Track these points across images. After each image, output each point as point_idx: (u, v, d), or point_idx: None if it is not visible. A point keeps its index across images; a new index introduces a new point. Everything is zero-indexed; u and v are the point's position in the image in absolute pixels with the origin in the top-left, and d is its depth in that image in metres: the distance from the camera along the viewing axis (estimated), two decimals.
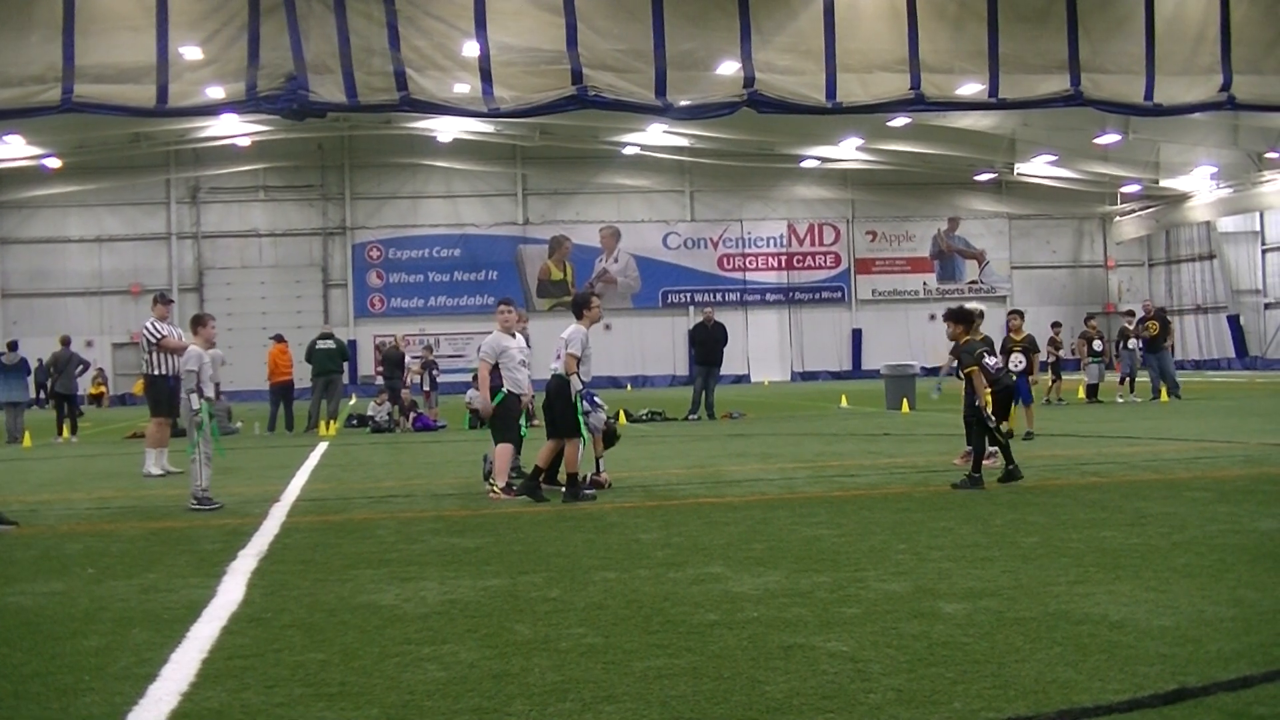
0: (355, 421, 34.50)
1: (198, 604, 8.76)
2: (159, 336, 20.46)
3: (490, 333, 16.84)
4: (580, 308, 16.19)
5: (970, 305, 17.05)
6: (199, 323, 16.21)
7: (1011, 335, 23.46)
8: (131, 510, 15.35)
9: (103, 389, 57.18)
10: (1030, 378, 23.17)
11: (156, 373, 20.66)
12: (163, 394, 20.76)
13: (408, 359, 34.78)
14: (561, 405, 15.39)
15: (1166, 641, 6.94)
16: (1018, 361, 22.52)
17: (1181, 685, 6.01)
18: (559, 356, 15.61)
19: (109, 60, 26.27)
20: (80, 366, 33.04)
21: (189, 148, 62.33)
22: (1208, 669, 6.34)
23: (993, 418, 15.53)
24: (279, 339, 35.50)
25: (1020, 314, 24.54)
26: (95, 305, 65.34)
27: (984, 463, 15.49)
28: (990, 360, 15.90)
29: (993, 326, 20.97)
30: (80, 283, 65.64)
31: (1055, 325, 37.03)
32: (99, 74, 26.26)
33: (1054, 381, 35.46)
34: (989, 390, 15.58)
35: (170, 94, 26.46)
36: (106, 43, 26.21)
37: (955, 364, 16.25)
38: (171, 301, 22.92)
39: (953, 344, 16.19)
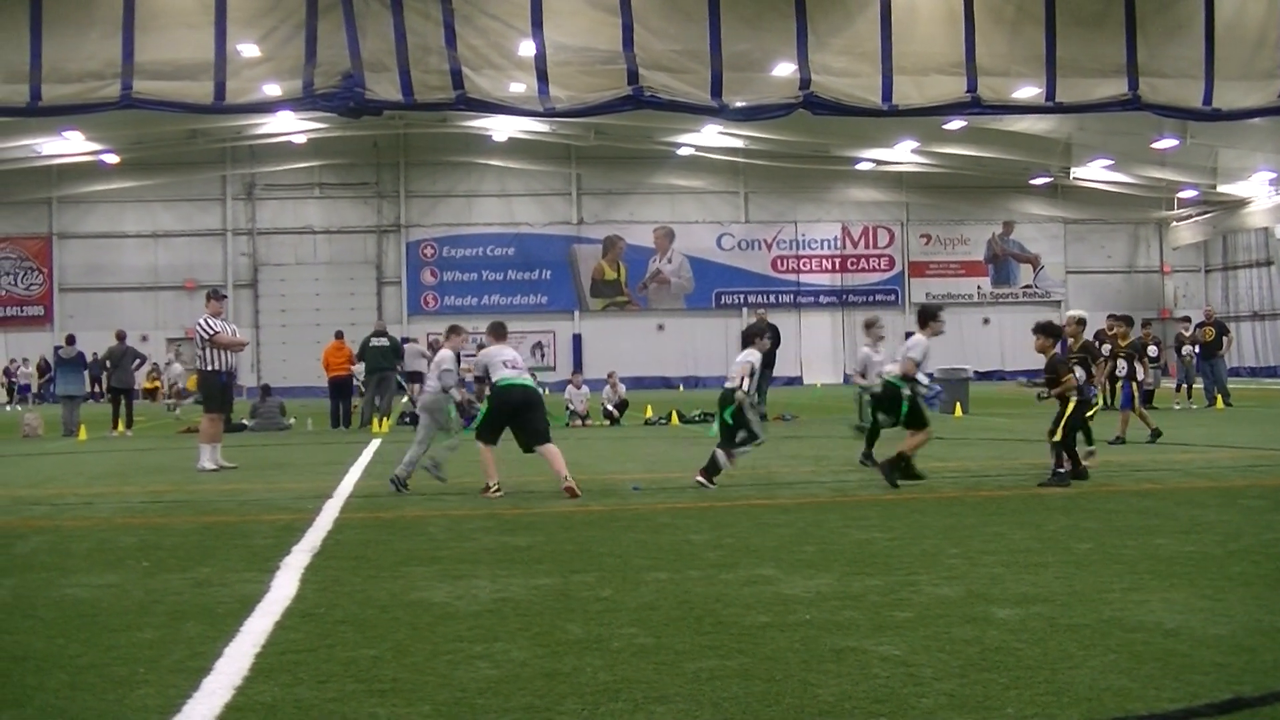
0: (408, 419, 34.56)
1: (251, 598, 8.80)
2: (213, 332, 20.47)
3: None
4: (927, 319, 17.04)
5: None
6: (454, 332, 18.33)
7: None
8: (185, 504, 15.43)
9: (158, 383, 57.52)
10: (1095, 383, 22.89)
11: (209, 368, 20.66)
12: (215, 389, 20.82)
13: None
14: (896, 405, 16.40)
15: (1221, 650, 6.89)
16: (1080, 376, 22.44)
17: (1237, 695, 5.97)
18: (897, 360, 16.71)
19: (167, 57, 26.44)
20: (137, 360, 33.27)
21: (245, 144, 62.65)
22: (1264, 678, 6.29)
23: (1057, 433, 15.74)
24: (338, 335, 35.72)
25: (1077, 321, 24.19)
26: (150, 300, 65.74)
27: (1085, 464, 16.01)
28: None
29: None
30: (136, 278, 66.07)
31: (1145, 324, 36.71)
32: (157, 70, 26.43)
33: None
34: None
35: (227, 91, 26.61)
36: (165, 39, 26.39)
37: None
38: (225, 297, 23.00)
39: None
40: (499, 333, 17.43)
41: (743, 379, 16.26)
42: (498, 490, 15.68)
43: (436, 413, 17.43)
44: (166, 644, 7.49)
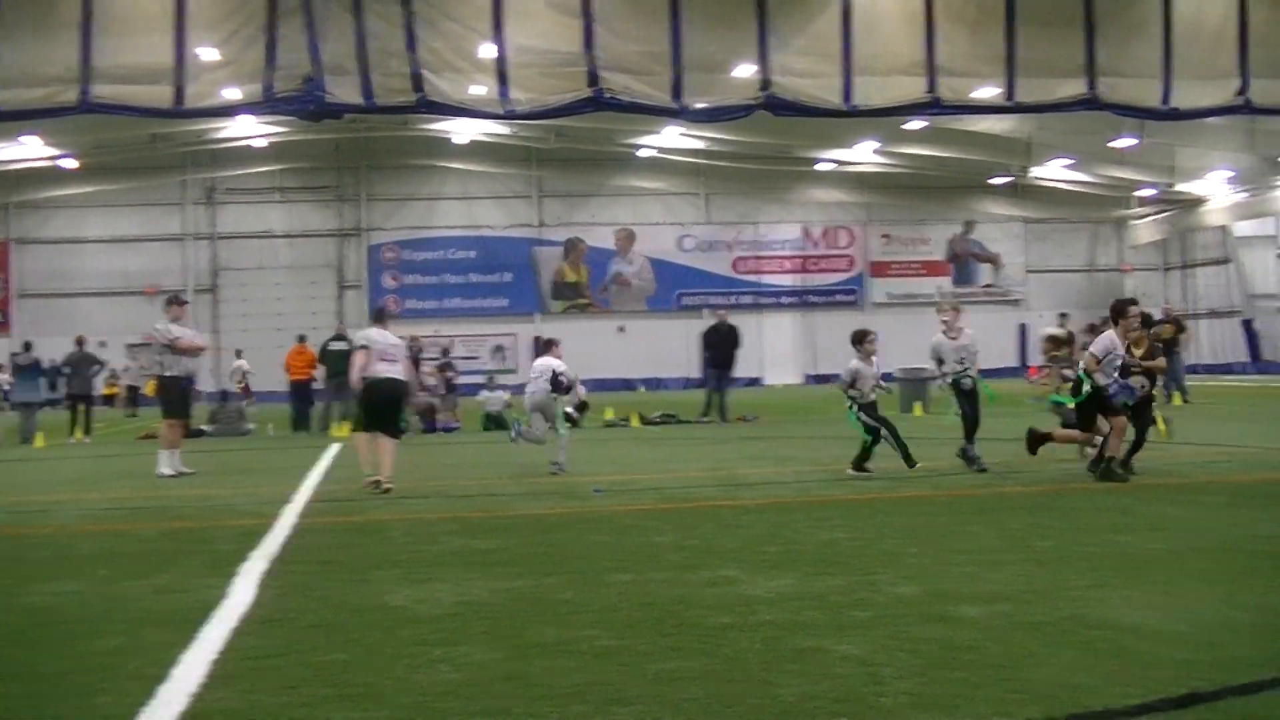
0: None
1: (211, 605, 8.76)
2: (173, 337, 20.38)
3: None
4: (1117, 316, 16.70)
5: (1135, 306, 17.12)
6: (553, 344, 20.42)
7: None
8: (145, 510, 15.37)
9: (116, 389, 57.15)
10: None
11: (169, 374, 20.55)
12: (175, 395, 20.71)
13: (423, 362, 34.75)
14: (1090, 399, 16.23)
15: (1182, 647, 6.93)
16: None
17: (1194, 690, 6.00)
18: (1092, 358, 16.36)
19: (127, 61, 26.30)
20: (96, 366, 33.10)
21: (206, 148, 62.26)
22: (1221, 674, 6.33)
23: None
24: (301, 339, 35.65)
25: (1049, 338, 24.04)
26: (111, 306, 65.35)
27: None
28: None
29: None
30: (96, 283, 65.65)
31: (1090, 327, 37.00)
32: (117, 74, 26.30)
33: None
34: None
35: (187, 95, 26.50)
36: (125, 43, 26.24)
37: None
38: (186, 303, 22.85)
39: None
40: (381, 319, 18.36)
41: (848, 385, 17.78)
42: (385, 484, 16.45)
43: (546, 410, 19.47)
44: (125, 652, 7.46)
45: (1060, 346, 22.16)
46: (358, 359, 17.41)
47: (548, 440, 19.68)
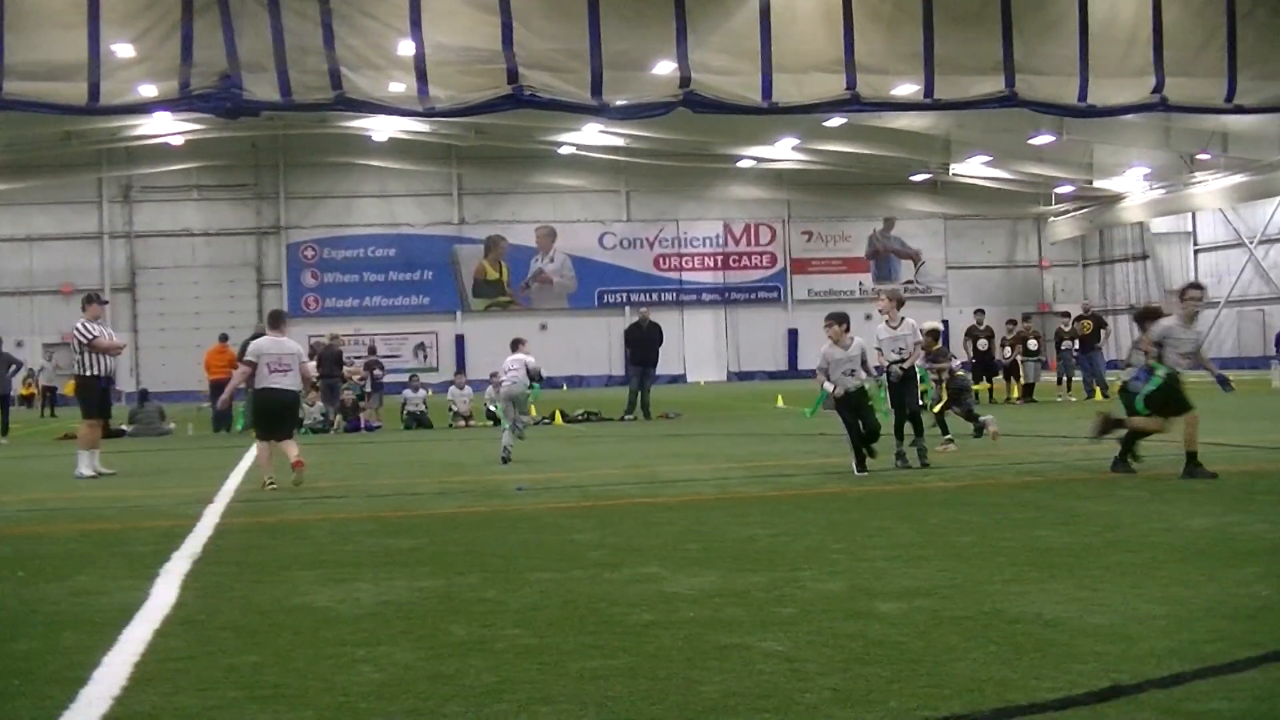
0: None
1: (130, 607, 8.66)
2: (91, 336, 20.18)
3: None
4: (1178, 296, 16.44)
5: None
6: (520, 343, 22.04)
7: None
8: (62, 512, 15.23)
9: (33, 389, 56.62)
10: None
11: (88, 374, 20.35)
12: (94, 395, 20.52)
13: (350, 359, 34.59)
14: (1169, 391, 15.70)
15: (1100, 639, 6.98)
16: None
17: (1115, 683, 6.04)
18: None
19: (40, 58, 26.05)
20: (13, 366, 32.74)
21: (121, 146, 61.74)
22: (1141, 666, 6.38)
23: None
24: (222, 338, 35.43)
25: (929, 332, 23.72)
26: (26, 305, 64.75)
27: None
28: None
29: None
30: (10, 282, 65.15)
31: (1010, 323, 37.57)
32: (29, 71, 26.04)
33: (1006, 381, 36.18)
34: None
35: (102, 92, 26.26)
36: (37, 40, 25.98)
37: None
38: (106, 302, 22.63)
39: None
40: (276, 324, 18.61)
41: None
42: (272, 484, 16.80)
43: (518, 400, 21.13)
44: (43, 655, 7.36)
45: (938, 340, 22.72)
46: (238, 374, 18.46)
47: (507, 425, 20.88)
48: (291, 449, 17.30)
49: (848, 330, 17.14)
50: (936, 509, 12.83)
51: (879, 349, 18.15)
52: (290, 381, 17.60)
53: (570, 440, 24.56)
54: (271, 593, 9.13)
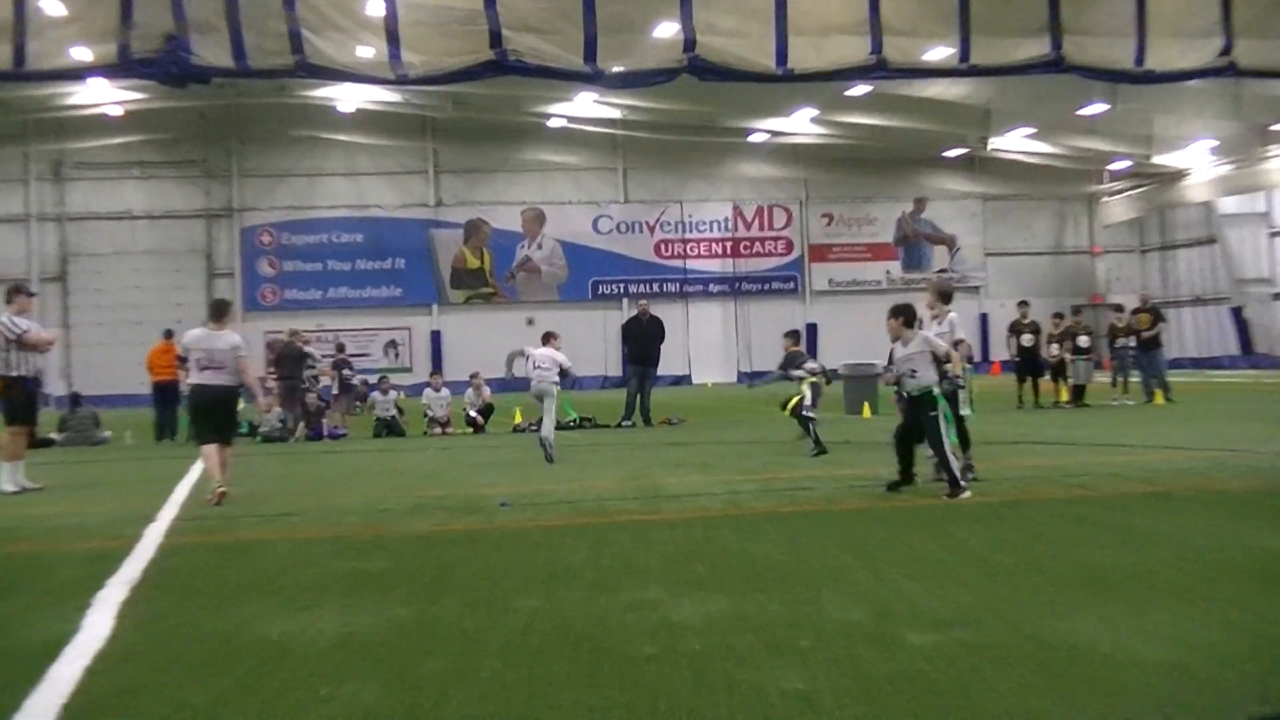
0: (244, 429, 34.25)
1: (59, 640, 8.68)
2: (20, 331, 20.02)
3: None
4: None
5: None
6: (553, 336, 23.79)
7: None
8: None
9: None
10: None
11: (15, 373, 20.05)
12: (20, 398, 20.30)
13: (317, 358, 34.49)
14: None
15: (1151, 670, 7.02)
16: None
17: (1167, 718, 6.08)
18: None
19: None
20: None
21: (51, 117, 61.34)
22: (1194, 698, 6.41)
23: None
24: (168, 335, 35.33)
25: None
26: None
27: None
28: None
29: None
30: None
31: (1057, 317, 37.47)
32: None
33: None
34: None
35: (29, 54, 26.15)
36: None
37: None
38: (34, 294, 22.54)
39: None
40: (218, 315, 18.85)
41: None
42: (223, 490, 17.07)
43: (547, 397, 22.74)
44: None
45: (797, 342, 24.08)
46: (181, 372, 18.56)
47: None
48: (217, 467, 17.48)
49: (909, 324, 16.56)
50: (971, 526, 12.84)
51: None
52: (222, 379, 17.85)
53: (561, 448, 24.59)
54: (222, 623, 9.16)
